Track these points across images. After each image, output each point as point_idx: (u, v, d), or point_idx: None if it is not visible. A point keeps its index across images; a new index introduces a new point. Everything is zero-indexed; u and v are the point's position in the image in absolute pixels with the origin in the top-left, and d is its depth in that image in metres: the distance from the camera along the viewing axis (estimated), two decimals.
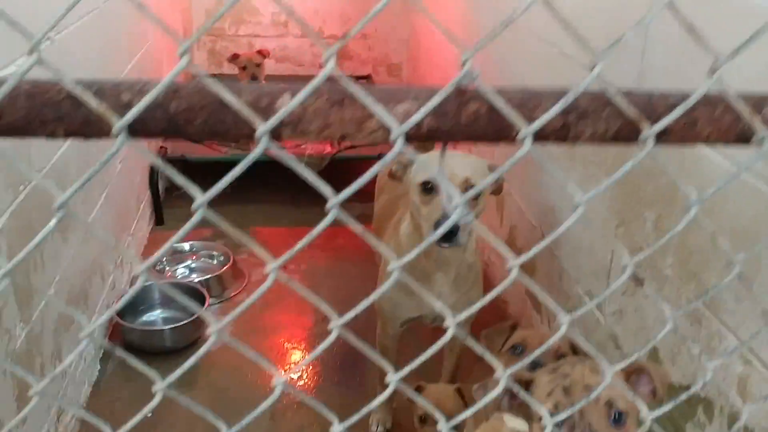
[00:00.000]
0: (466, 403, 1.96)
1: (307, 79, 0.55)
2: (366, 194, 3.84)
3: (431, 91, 0.59)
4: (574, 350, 1.60)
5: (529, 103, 0.60)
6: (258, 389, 2.62)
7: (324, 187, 0.62)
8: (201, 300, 2.93)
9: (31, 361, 1.96)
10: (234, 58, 4.24)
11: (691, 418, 1.55)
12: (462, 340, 0.67)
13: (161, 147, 3.99)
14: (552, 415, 1.13)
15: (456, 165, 1.84)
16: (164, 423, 2.42)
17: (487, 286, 3.00)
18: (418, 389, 2.05)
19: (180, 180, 0.61)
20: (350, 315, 0.67)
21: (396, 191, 2.34)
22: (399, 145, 0.59)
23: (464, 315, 0.71)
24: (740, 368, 1.36)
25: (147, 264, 0.64)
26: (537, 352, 0.74)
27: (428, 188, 1.85)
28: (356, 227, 0.67)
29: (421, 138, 0.60)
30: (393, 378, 0.71)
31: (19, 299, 1.88)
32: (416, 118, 0.58)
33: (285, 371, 2.79)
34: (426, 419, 1.99)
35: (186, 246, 3.47)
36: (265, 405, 0.72)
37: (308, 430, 2.47)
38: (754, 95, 0.62)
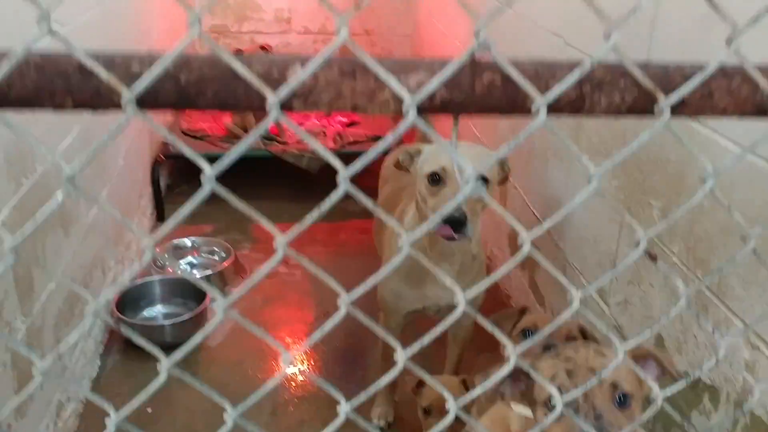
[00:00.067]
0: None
1: None
2: (369, 190, 3.85)
3: (444, 62, 0.58)
4: (584, 335, 1.60)
5: (544, 73, 0.59)
6: (259, 384, 2.61)
7: (334, 160, 0.61)
8: (202, 296, 2.92)
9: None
10: (237, 54, 4.22)
11: (697, 405, 1.54)
12: (473, 316, 0.66)
13: (163, 143, 3.98)
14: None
15: (463, 155, 1.83)
16: (163, 419, 2.41)
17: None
18: (422, 381, 2.04)
19: (188, 152, 0.60)
20: (359, 291, 0.66)
21: (400, 182, 2.34)
22: (411, 116, 0.58)
23: (473, 292, 0.71)
24: (747, 354, 1.36)
25: (154, 238, 0.63)
26: (548, 329, 0.74)
27: (436, 180, 1.83)
28: (367, 202, 0.66)
29: (434, 110, 0.60)
30: (401, 356, 0.70)
31: (20, 292, 1.87)
32: (429, 88, 0.57)
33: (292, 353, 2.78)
34: (430, 411, 1.98)
35: (187, 242, 3.46)
36: (272, 383, 0.72)
37: (309, 425, 2.46)
38: None
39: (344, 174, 0.60)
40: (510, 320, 1.73)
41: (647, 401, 1.11)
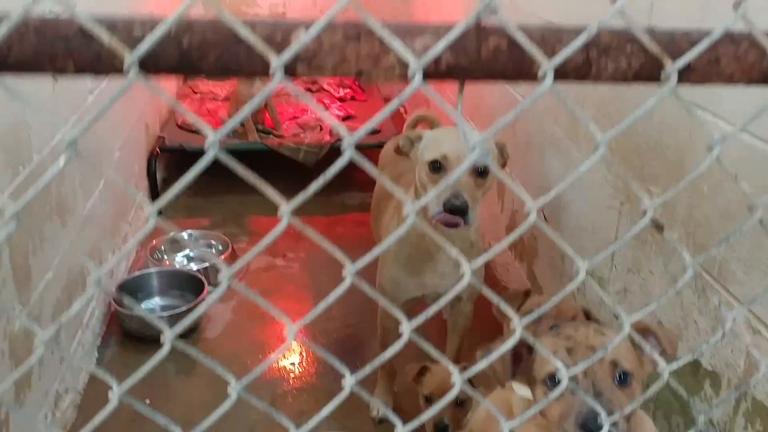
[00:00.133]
0: (472, 383, 1.95)
1: None
2: (365, 183, 3.84)
3: (450, 26, 0.58)
4: (588, 317, 1.59)
5: (551, 38, 0.59)
6: (257, 377, 2.60)
7: (339, 127, 0.61)
8: (200, 287, 2.91)
9: (29, 344, 1.94)
10: None
11: (698, 392, 1.54)
12: (478, 289, 0.66)
13: (159, 136, 3.97)
14: (555, 376, 1.12)
15: (464, 142, 1.82)
16: (161, 412, 2.40)
17: (488, 273, 2.99)
18: (423, 370, 2.04)
19: (192, 118, 0.60)
20: (365, 260, 0.66)
21: (398, 169, 2.33)
22: (417, 81, 0.57)
23: (479, 262, 0.70)
24: (748, 338, 1.36)
25: (157, 205, 0.63)
26: (552, 302, 0.73)
27: (437, 167, 1.83)
28: (372, 171, 0.66)
29: (440, 75, 0.59)
30: (406, 328, 0.69)
31: (18, 280, 1.86)
32: (435, 51, 0.56)
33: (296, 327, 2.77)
34: (432, 399, 1.98)
35: (185, 234, 3.45)
36: (278, 353, 0.71)
37: (309, 416, 2.44)
38: None
39: (349, 140, 0.60)
40: (514, 302, 1.72)
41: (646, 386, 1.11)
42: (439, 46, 0.57)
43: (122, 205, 3.16)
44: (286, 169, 4.13)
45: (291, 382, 2.61)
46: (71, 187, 2.37)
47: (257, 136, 4.01)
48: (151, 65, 0.56)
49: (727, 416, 1.45)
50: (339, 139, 4.07)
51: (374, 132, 4.04)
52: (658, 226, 0.68)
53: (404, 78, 0.58)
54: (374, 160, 3.24)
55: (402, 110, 5.18)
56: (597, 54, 0.59)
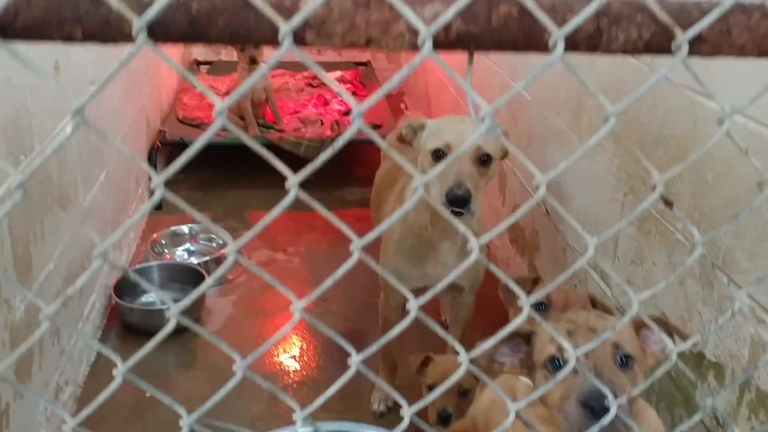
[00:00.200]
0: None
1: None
2: (365, 179, 3.83)
3: None
4: (594, 305, 1.59)
5: (561, 7, 0.58)
6: (258, 369, 2.60)
7: (348, 96, 0.60)
8: (200, 281, 2.91)
9: (30, 334, 1.94)
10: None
11: (702, 383, 1.54)
12: (485, 264, 0.66)
13: (160, 131, 3.97)
14: (557, 358, 1.11)
15: (467, 131, 1.82)
16: (162, 404, 2.39)
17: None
18: (426, 360, 2.03)
19: (200, 87, 0.59)
20: (371, 236, 0.65)
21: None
22: (427, 48, 0.57)
23: (486, 238, 0.70)
24: (752, 329, 1.35)
25: (163, 177, 0.62)
26: (559, 280, 0.73)
27: (440, 156, 1.82)
28: (380, 142, 0.65)
29: (450, 44, 0.59)
30: (414, 305, 0.69)
31: (19, 271, 1.86)
32: (445, 18, 0.56)
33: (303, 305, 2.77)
34: (435, 389, 1.97)
35: (185, 229, 3.45)
36: (283, 330, 0.70)
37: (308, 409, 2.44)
38: None
39: (358, 110, 0.59)
40: (523, 288, 1.70)
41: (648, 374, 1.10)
42: (449, 13, 0.56)
43: (122, 200, 3.16)
44: (288, 163, 4.12)
45: (292, 376, 2.60)
46: (72, 178, 2.36)
47: (258, 131, 4.01)
48: (159, 32, 0.56)
49: (731, 407, 1.44)
50: (339, 134, 4.06)
51: (375, 127, 4.04)
52: (667, 202, 0.67)
53: (414, 46, 0.58)
54: (375, 155, 3.23)
55: (403, 106, 5.18)
56: (608, 23, 0.59)
